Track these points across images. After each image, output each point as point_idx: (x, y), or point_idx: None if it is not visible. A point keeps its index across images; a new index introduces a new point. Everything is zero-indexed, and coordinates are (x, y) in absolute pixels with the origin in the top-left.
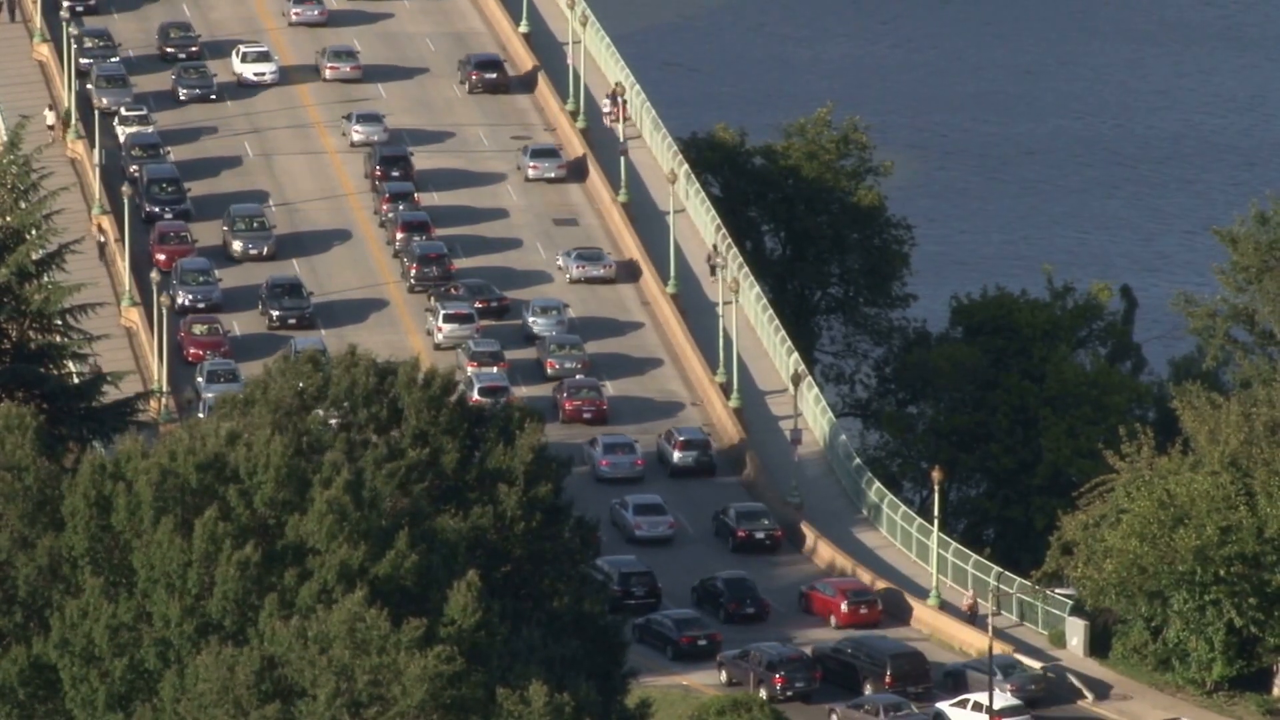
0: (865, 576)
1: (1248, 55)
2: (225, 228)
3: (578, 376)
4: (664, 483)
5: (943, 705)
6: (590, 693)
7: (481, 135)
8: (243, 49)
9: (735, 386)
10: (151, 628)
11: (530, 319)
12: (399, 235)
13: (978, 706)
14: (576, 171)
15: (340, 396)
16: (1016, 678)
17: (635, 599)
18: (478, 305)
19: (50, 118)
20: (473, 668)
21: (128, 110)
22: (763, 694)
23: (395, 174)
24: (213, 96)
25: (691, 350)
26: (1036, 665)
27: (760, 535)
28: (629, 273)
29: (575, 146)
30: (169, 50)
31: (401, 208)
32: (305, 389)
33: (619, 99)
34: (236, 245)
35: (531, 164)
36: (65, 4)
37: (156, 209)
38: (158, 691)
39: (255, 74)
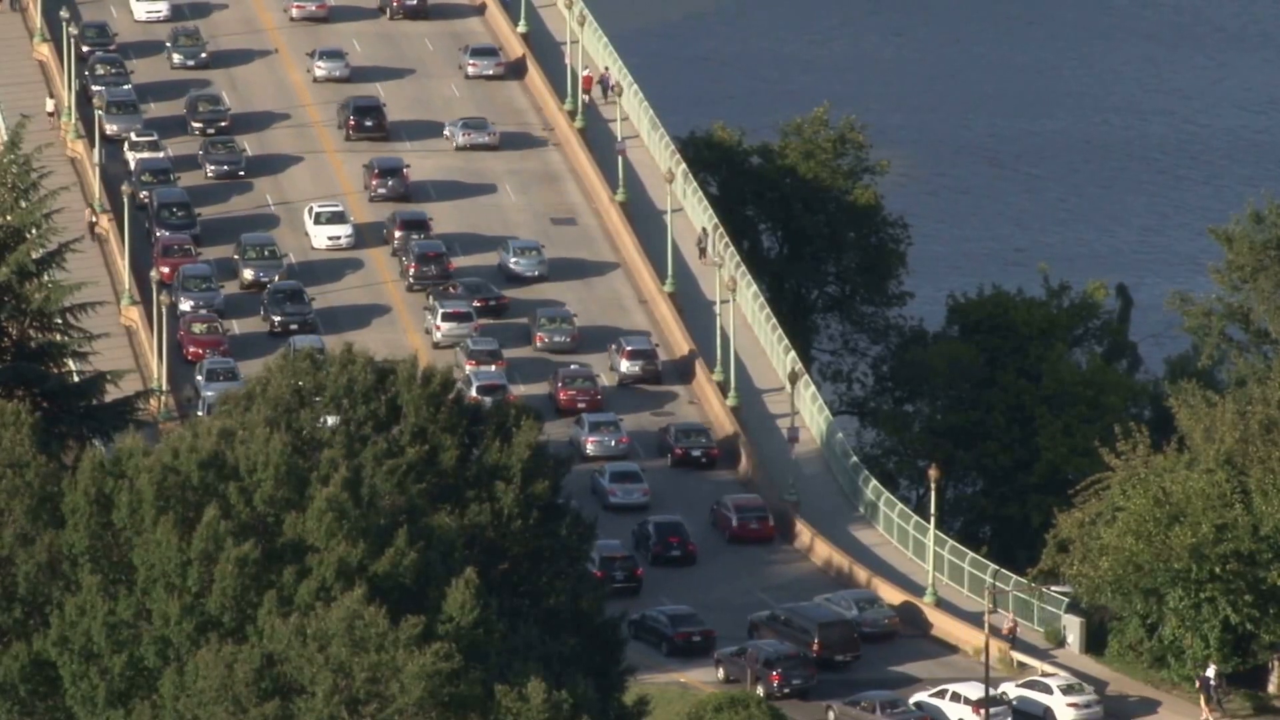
0: (861, 574)
1: (1255, 56)
2: (236, 256)
3: (572, 366)
4: (614, 394)
5: (922, 695)
6: (588, 690)
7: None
8: (315, 208)
9: (733, 385)
10: (151, 625)
11: (511, 259)
12: (397, 234)
13: (956, 697)
14: (515, 70)
15: (339, 394)
16: (872, 613)
17: (616, 583)
18: (476, 304)
19: (50, 105)
20: (471, 665)
21: (138, 136)
22: (760, 691)
23: (368, 124)
24: (241, 173)
25: (689, 348)
26: (891, 603)
27: (696, 453)
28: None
29: (515, 48)
30: (197, 125)
31: (391, 182)
32: (303, 386)
33: (607, 84)
34: (248, 273)
35: (471, 62)
36: (85, 48)
37: (167, 233)
38: (157, 689)
39: (330, 238)
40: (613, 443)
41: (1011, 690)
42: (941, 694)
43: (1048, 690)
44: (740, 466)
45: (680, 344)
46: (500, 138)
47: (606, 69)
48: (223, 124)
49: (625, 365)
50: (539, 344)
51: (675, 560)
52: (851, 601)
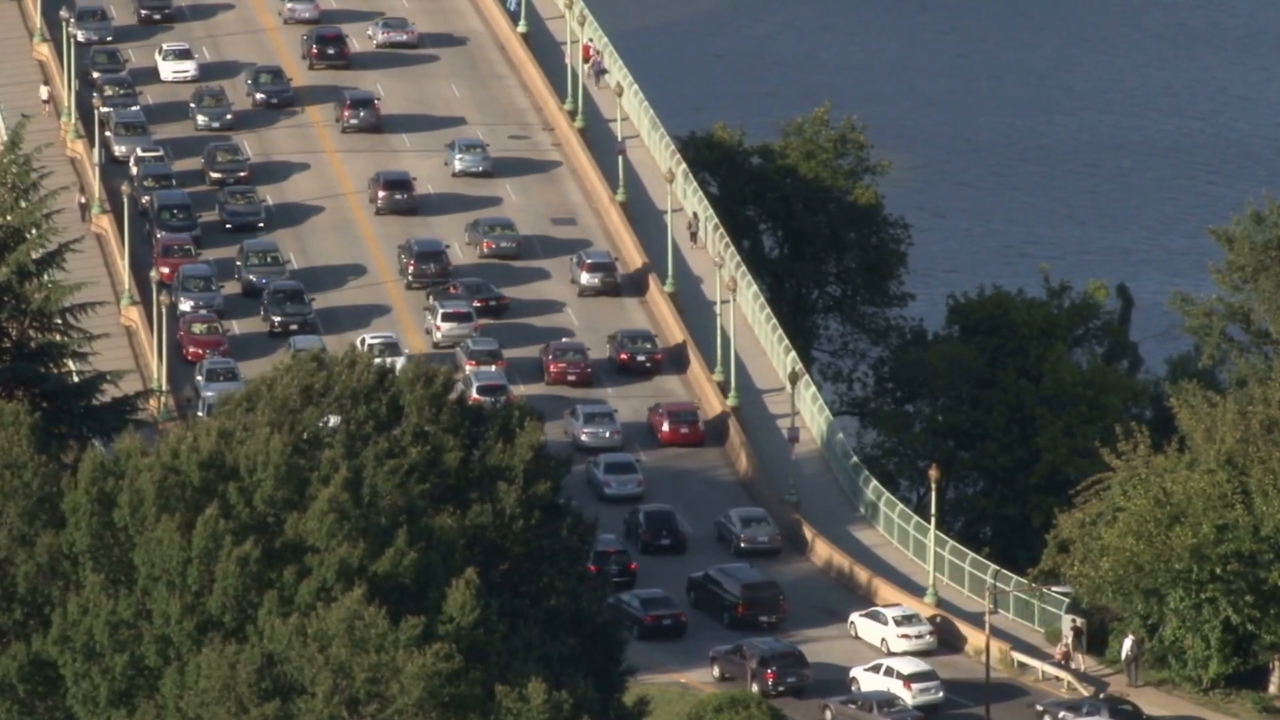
0: (862, 575)
1: (1260, 57)
2: (239, 263)
3: (563, 340)
4: (575, 303)
5: (857, 670)
6: (588, 690)
7: (480, 133)
8: (368, 339)
9: (733, 385)
10: (151, 625)
11: (456, 157)
12: (380, 194)
13: (889, 671)
14: None
15: (343, 395)
16: (754, 530)
17: (611, 578)
18: (476, 304)
19: (44, 92)
20: (471, 665)
21: (144, 151)
22: (754, 688)
23: (330, 52)
24: (260, 225)
25: (689, 348)
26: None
27: (641, 358)
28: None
29: None
30: (215, 176)
31: (363, 113)
32: (310, 386)
33: (598, 68)
34: (251, 279)
35: None
36: (95, 74)
37: (167, 234)
38: (159, 688)
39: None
40: (607, 434)
41: (857, 620)
42: (876, 669)
43: (884, 621)
44: (688, 371)
45: (635, 259)
46: (419, 37)
47: (598, 52)
48: (242, 174)
49: (585, 278)
50: (485, 250)
51: (665, 549)
52: (737, 518)
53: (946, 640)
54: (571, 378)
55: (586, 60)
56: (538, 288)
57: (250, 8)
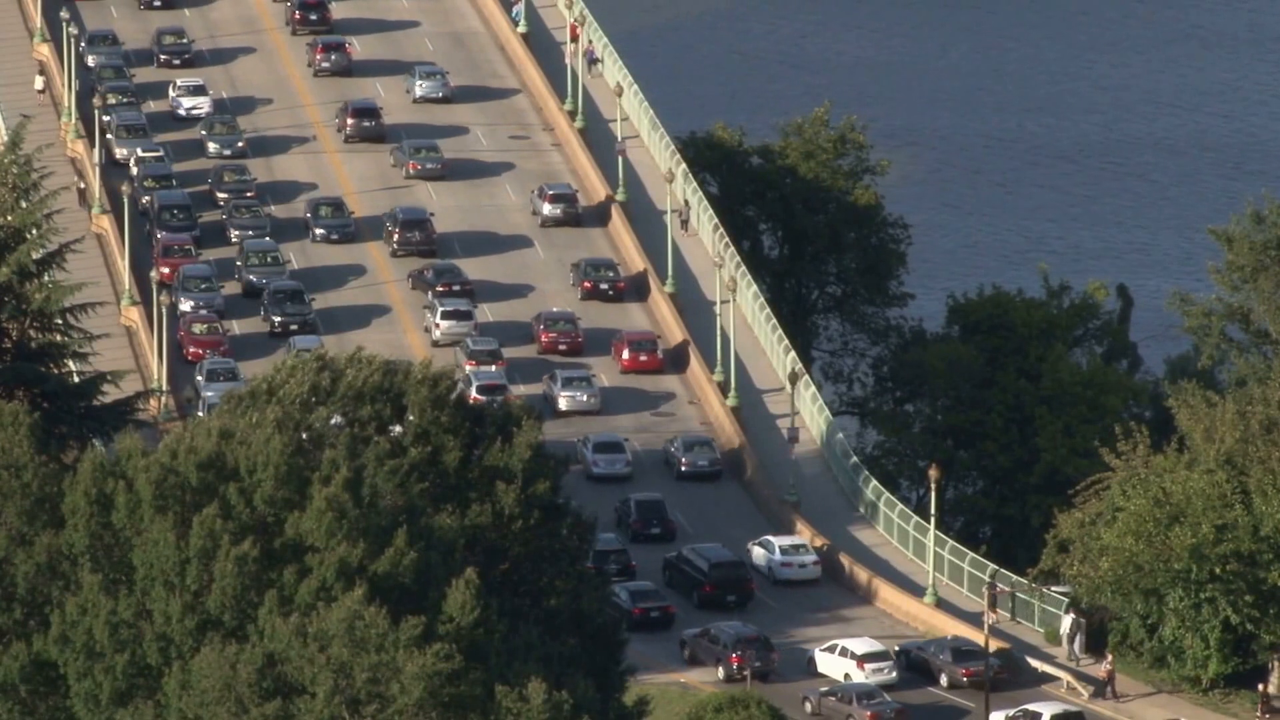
0: (862, 575)
1: (1263, 57)
2: (239, 263)
3: (553, 309)
4: (537, 233)
5: (814, 650)
6: (588, 690)
7: (480, 133)
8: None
9: (733, 385)
10: (151, 625)
11: (416, 83)
12: (349, 121)
13: (844, 652)
14: None
15: (347, 396)
16: (695, 454)
17: (610, 577)
18: (440, 289)
19: (40, 83)
20: (471, 665)
21: (144, 151)
22: (720, 673)
23: (313, 18)
24: (267, 237)
25: (689, 348)
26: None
27: (604, 286)
28: None
29: None
30: (223, 196)
31: (335, 56)
32: (317, 386)
33: (592, 57)
34: (251, 279)
35: None
36: (100, 87)
37: (168, 234)
38: (159, 688)
39: None
40: (584, 397)
41: (751, 548)
42: (831, 649)
43: (771, 550)
44: (649, 299)
45: (598, 190)
46: None
47: (590, 42)
48: (249, 194)
49: (547, 209)
50: (411, 171)
51: (655, 537)
52: (680, 443)
53: (830, 572)
54: (563, 347)
55: (574, 40)
56: (518, 262)
57: (272, 53)
